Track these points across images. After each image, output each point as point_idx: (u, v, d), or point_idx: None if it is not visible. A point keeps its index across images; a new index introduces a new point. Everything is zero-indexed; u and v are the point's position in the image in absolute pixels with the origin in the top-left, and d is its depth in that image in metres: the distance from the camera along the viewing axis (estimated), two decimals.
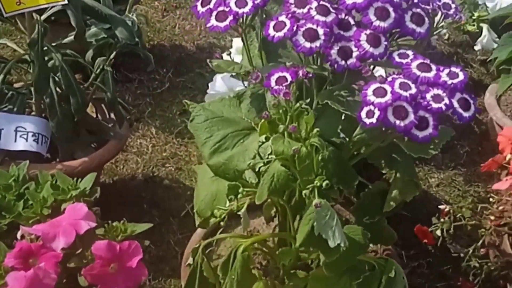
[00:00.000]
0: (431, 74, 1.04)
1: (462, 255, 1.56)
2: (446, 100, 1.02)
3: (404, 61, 1.06)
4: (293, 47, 1.19)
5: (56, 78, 1.63)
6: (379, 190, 1.29)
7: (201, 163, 1.91)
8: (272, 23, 1.07)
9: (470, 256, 1.50)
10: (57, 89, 1.63)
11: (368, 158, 1.25)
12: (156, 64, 1.77)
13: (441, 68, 1.06)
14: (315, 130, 1.03)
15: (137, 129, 2.10)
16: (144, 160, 1.99)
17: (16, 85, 1.75)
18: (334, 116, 1.13)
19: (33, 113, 1.69)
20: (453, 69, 1.06)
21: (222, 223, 1.11)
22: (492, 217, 1.53)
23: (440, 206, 1.57)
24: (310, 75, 1.05)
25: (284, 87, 1.04)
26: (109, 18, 1.63)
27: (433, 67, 1.05)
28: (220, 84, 1.64)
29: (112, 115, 1.77)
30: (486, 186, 1.94)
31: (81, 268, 1.28)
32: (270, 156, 1.07)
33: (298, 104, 1.05)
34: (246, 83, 1.29)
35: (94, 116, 1.80)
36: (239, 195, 1.11)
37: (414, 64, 1.05)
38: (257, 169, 1.21)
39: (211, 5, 1.15)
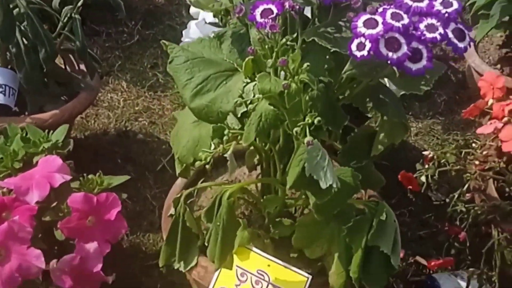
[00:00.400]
0: (423, 4, 1.00)
1: (445, 201, 1.53)
2: (441, 30, 0.98)
3: None
4: None
5: (22, 27, 1.55)
6: (366, 134, 1.25)
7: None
8: None
9: (455, 201, 1.48)
10: (24, 39, 1.55)
11: (353, 101, 1.20)
12: (124, 16, 1.69)
13: None
14: (304, 65, 0.98)
15: (108, 83, 2.03)
16: (116, 114, 1.93)
17: None
18: (321, 54, 1.09)
19: None
20: None
21: (207, 167, 1.06)
22: (477, 162, 1.51)
23: (424, 152, 1.55)
24: (297, 7, 0.99)
25: (270, 20, 0.98)
26: None
27: None
28: (194, 31, 1.58)
29: (82, 67, 1.70)
30: (464, 134, 1.93)
31: (57, 221, 1.24)
32: (257, 96, 1.02)
33: (284, 39, 0.99)
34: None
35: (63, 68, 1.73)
36: (225, 137, 1.06)
37: None
38: (239, 114, 1.16)
39: None
